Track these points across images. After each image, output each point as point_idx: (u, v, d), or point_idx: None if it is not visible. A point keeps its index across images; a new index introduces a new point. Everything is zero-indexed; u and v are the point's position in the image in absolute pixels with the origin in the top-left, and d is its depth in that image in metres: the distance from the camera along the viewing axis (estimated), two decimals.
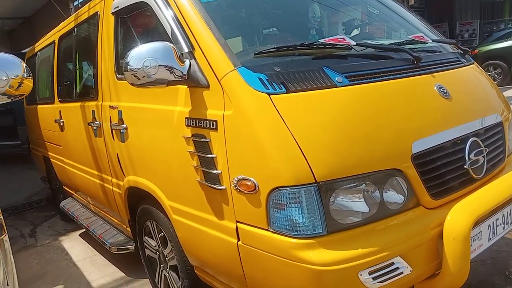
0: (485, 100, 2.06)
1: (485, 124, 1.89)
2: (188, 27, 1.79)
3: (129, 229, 2.67)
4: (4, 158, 8.01)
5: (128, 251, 2.72)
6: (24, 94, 1.75)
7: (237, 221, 1.61)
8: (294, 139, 1.45)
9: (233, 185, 1.58)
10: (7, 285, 1.36)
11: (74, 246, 3.73)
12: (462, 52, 2.26)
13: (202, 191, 1.76)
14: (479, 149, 1.76)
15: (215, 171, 1.65)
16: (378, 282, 1.41)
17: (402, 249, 1.46)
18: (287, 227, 1.44)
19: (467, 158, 1.72)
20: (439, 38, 2.30)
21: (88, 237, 3.74)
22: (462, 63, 2.13)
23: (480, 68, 2.33)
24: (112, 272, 3.07)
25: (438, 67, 1.95)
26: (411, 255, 1.49)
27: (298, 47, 1.75)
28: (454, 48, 2.27)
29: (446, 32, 15.25)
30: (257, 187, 1.49)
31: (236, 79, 1.58)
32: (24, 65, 1.68)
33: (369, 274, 1.40)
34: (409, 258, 1.48)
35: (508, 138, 2.05)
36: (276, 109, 1.49)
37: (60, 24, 3.67)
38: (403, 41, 2.07)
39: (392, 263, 1.44)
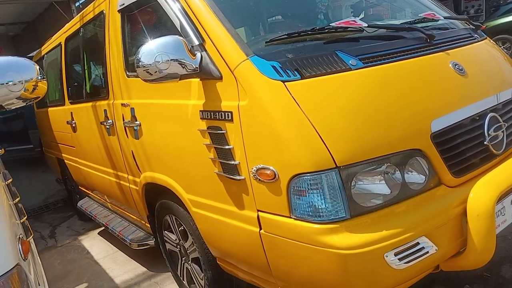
0: (500, 75, 2.03)
1: (502, 99, 1.86)
2: (197, 19, 1.78)
3: (148, 225, 2.70)
4: (18, 162, 8.10)
5: (149, 246, 2.74)
6: (39, 97, 1.77)
7: (258, 210, 1.62)
8: (312, 125, 1.44)
9: (252, 175, 1.58)
10: (39, 285, 1.39)
11: (94, 244, 3.78)
12: (474, 27, 2.22)
13: (220, 182, 1.77)
14: (498, 124, 1.74)
15: (233, 162, 1.65)
16: (405, 263, 1.41)
17: (426, 228, 1.46)
18: (310, 213, 1.45)
19: (486, 134, 1.70)
20: (450, 15, 2.26)
21: (107, 235, 3.79)
22: (475, 38, 2.10)
23: (493, 42, 2.29)
24: (134, 268, 3.12)
25: (452, 44, 1.92)
26: (436, 234, 1.48)
27: (309, 32, 1.73)
28: (466, 24, 2.23)
29: (451, 8, 14.95)
30: (276, 175, 1.49)
31: (249, 69, 1.57)
32: (38, 67, 1.70)
33: (395, 255, 1.40)
34: (434, 237, 1.47)
35: None
36: (292, 96, 1.49)
37: (66, 26, 3.68)
38: (415, 20, 2.04)
39: (418, 243, 1.44)
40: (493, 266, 2.23)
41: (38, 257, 1.74)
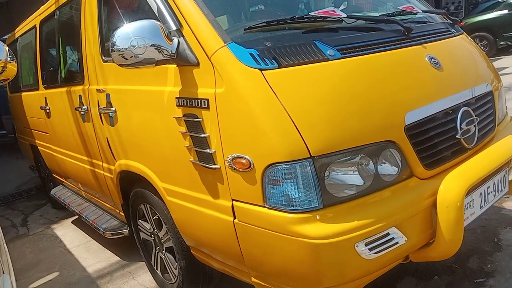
0: (475, 70, 2.07)
1: (476, 94, 1.89)
2: (175, 3, 1.74)
3: (123, 214, 2.66)
4: None
5: (123, 235, 2.71)
6: (9, 79, 1.71)
7: (232, 199, 1.61)
8: (288, 114, 1.43)
9: (227, 164, 1.57)
10: (3, 272, 1.35)
11: (67, 233, 3.71)
12: (451, 22, 2.25)
13: (196, 171, 1.75)
14: (470, 119, 1.78)
15: (208, 151, 1.64)
16: (375, 253, 1.43)
17: (397, 219, 1.48)
18: (283, 203, 1.45)
19: (458, 127, 1.73)
20: (428, 8, 2.28)
21: (81, 223, 3.72)
22: (452, 33, 2.13)
23: (469, 38, 2.32)
24: (107, 257, 3.08)
25: (429, 38, 1.94)
26: (406, 225, 1.50)
27: (289, 21, 1.71)
28: (444, 19, 2.26)
29: (432, 4, 15.17)
30: (252, 165, 1.48)
31: (227, 56, 1.55)
32: (7, 48, 1.64)
33: (366, 245, 1.41)
34: (404, 228, 1.50)
35: (498, 107, 2.07)
36: (269, 85, 1.48)
37: (41, 8, 3.56)
38: (393, 12, 2.06)
39: (388, 234, 1.45)
40: (461, 258, 2.30)
41: (5, 245, 1.69)
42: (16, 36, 4.34)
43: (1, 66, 1.62)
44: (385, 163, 1.54)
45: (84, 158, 2.89)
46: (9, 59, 1.63)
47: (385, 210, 1.47)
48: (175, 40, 1.69)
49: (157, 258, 2.47)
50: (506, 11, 9.47)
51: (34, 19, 3.72)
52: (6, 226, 4.13)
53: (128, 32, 1.63)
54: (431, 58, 1.81)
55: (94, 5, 2.38)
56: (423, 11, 2.16)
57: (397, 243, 1.48)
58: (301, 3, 2.35)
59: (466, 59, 2.10)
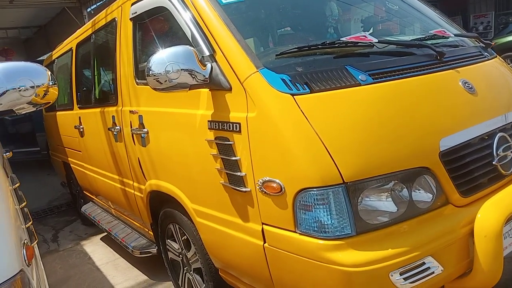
0: (510, 94, 2.02)
1: (511, 119, 1.85)
2: (208, 30, 1.79)
3: (151, 233, 2.69)
4: (24, 164, 8.15)
5: (151, 254, 2.74)
6: (50, 103, 1.79)
7: (262, 223, 1.61)
8: (320, 139, 1.44)
9: (258, 187, 1.58)
10: None
11: (96, 250, 3.77)
12: (484, 45, 2.22)
13: (226, 193, 1.76)
14: (507, 145, 1.73)
15: (239, 173, 1.65)
16: (410, 283, 1.39)
17: (432, 248, 1.44)
18: (315, 229, 1.43)
19: (495, 153, 1.69)
20: (460, 32, 2.26)
21: (109, 241, 3.78)
22: (485, 56, 2.10)
23: (503, 61, 2.28)
24: (135, 276, 3.10)
25: (462, 62, 1.92)
26: (442, 254, 1.46)
27: (320, 46, 1.73)
28: (476, 42, 2.23)
29: (460, 25, 14.96)
30: (283, 189, 1.48)
31: (259, 81, 1.58)
32: (49, 73, 1.71)
33: (400, 274, 1.38)
34: (440, 257, 1.45)
35: None
36: (301, 110, 1.49)
37: (77, 31, 3.72)
38: (425, 37, 2.05)
39: (423, 263, 1.42)
40: None
41: (41, 262, 1.74)
42: (53, 58, 4.54)
43: (44, 90, 1.69)
44: (419, 190, 1.51)
45: (115, 177, 2.95)
46: (51, 83, 1.71)
47: (420, 239, 1.44)
48: (208, 65, 1.74)
49: (185, 278, 2.47)
50: None
51: (70, 42, 3.89)
52: (37, 241, 4.23)
53: (163, 58, 1.68)
54: (465, 83, 1.78)
55: (130, 30, 2.47)
56: (455, 35, 2.14)
57: (433, 272, 1.43)
58: (330, 27, 2.37)
59: (500, 83, 2.05)
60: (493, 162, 1.68)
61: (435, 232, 1.48)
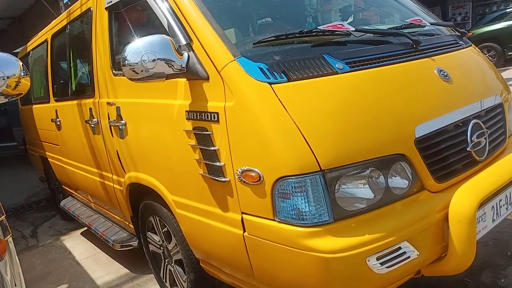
0: (484, 82, 2.06)
1: (486, 106, 1.89)
2: (185, 19, 1.77)
3: (132, 226, 2.67)
4: (1, 160, 7.96)
5: (132, 247, 2.71)
6: (22, 94, 1.73)
7: (242, 213, 1.61)
8: (298, 127, 1.44)
9: (237, 177, 1.57)
10: (15, 285, 1.36)
11: (76, 245, 3.72)
12: (459, 34, 2.25)
13: (205, 184, 1.75)
14: (480, 131, 1.77)
15: (218, 164, 1.64)
16: (386, 267, 1.42)
17: (408, 233, 1.46)
18: (293, 216, 1.44)
19: (469, 140, 1.72)
20: (436, 21, 2.29)
21: (90, 235, 3.73)
22: (460, 45, 2.13)
23: (478, 49, 2.32)
24: (116, 269, 3.07)
25: (438, 50, 1.94)
26: (418, 239, 1.49)
27: (297, 35, 1.73)
28: (452, 31, 2.26)
29: (439, 16, 15.21)
30: (261, 178, 1.48)
31: (236, 70, 1.57)
32: (21, 63, 1.66)
33: (377, 259, 1.40)
34: (416, 242, 1.48)
35: (508, 119, 2.06)
36: (278, 98, 1.48)
37: (52, 22, 3.63)
38: (401, 25, 2.06)
39: (399, 248, 1.44)
40: (474, 272, 2.26)
41: (17, 257, 1.70)
42: (28, 50, 4.42)
43: (15, 81, 1.64)
44: (395, 176, 1.53)
45: (93, 170, 2.91)
46: (22, 74, 1.66)
47: (396, 224, 1.46)
48: (185, 54, 1.72)
49: (166, 270, 2.46)
50: None
51: (45, 33, 3.79)
52: (16, 237, 4.15)
53: (138, 47, 1.65)
54: (440, 71, 1.81)
55: (105, 19, 2.42)
56: (431, 24, 2.17)
57: (409, 257, 1.46)
58: (309, 17, 2.37)
59: (475, 71, 2.09)
60: (467, 149, 1.71)
61: (411, 217, 1.50)
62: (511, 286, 2.12)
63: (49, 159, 4.07)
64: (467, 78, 1.97)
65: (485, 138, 1.79)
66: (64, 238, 3.94)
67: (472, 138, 1.73)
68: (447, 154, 1.65)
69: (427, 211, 1.55)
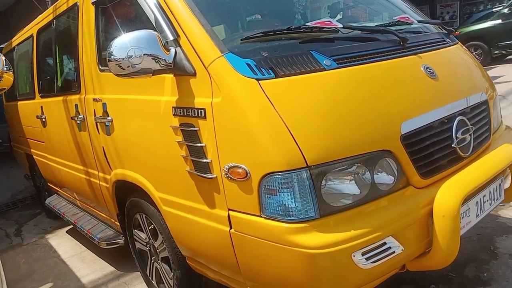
0: (470, 79, 2.09)
1: (471, 103, 1.91)
2: (172, 14, 1.75)
3: (118, 223, 2.64)
4: None
5: (118, 245, 2.69)
6: (5, 89, 1.71)
7: (229, 209, 1.60)
8: (285, 124, 1.44)
9: (224, 173, 1.57)
10: None
11: (61, 243, 3.68)
12: (446, 32, 2.27)
13: (192, 180, 1.74)
14: (465, 128, 1.79)
15: (205, 160, 1.63)
16: (371, 262, 1.42)
17: (393, 228, 1.48)
18: (280, 212, 1.44)
19: (454, 137, 1.74)
20: (424, 19, 2.30)
21: (76, 233, 3.69)
22: (447, 43, 2.15)
23: (464, 47, 2.35)
24: (102, 267, 3.05)
25: (424, 48, 1.96)
26: (403, 234, 1.50)
27: (285, 31, 1.73)
28: (439, 29, 2.28)
29: (427, 14, 15.37)
30: (248, 174, 1.48)
31: (224, 66, 1.56)
32: (4, 58, 1.63)
33: (362, 254, 1.41)
34: (401, 237, 1.49)
35: (493, 116, 2.08)
36: (266, 95, 1.48)
37: (38, 17, 3.56)
38: (389, 23, 2.07)
39: (384, 243, 1.45)
40: (458, 266, 2.29)
41: None
42: (13, 45, 4.34)
43: None
44: (381, 172, 1.54)
45: (79, 167, 2.87)
46: (5, 69, 1.63)
47: (381, 220, 1.47)
48: (172, 50, 1.70)
49: (153, 268, 2.44)
50: (499, 21, 9.58)
51: (31, 28, 3.72)
52: (0, 236, 4.09)
53: (125, 42, 1.63)
54: (427, 68, 1.82)
55: (92, 15, 2.39)
56: (418, 21, 2.18)
57: (393, 252, 1.47)
58: (298, 14, 2.37)
59: (461, 69, 2.12)
60: (452, 145, 1.73)
61: (396, 213, 1.51)
62: (494, 280, 2.15)
63: (34, 156, 4.01)
64: (453, 75, 1.99)
65: (470, 135, 1.81)
66: (50, 236, 3.89)
67: (457, 135, 1.74)
68: (432, 150, 1.66)
69: (412, 206, 1.56)
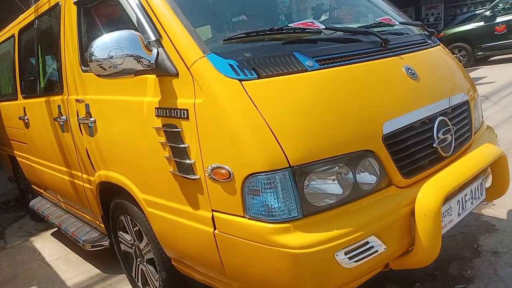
0: (451, 80, 2.11)
1: (452, 103, 1.93)
2: (154, 14, 1.74)
3: (103, 225, 2.61)
4: None
5: (103, 247, 2.66)
6: None
7: (212, 210, 1.60)
8: (267, 124, 1.44)
9: (207, 174, 1.56)
10: None
11: (46, 245, 3.63)
12: (428, 33, 2.30)
13: (175, 182, 1.73)
14: (447, 128, 1.81)
15: (188, 161, 1.63)
16: (354, 262, 1.43)
17: (376, 228, 1.49)
18: (263, 213, 1.44)
19: (435, 137, 1.76)
20: (406, 20, 2.33)
21: (61, 236, 3.64)
22: (428, 44, 2.18)
23: (446, 49, 2.38)
24: (87, 270, 3.01)
25: (406, 49, 1.98)
26: (385, 233, 1.51)
27: (268, 32, 1.73)
28: (421, 30, 2.31)
29: (412, 16, 15.59)
30: (231, 175, 1.48)
31: (206, 66, 1.55)
32: None
33: (345, 254, 1.42)
34: (383, 236, 1.51)
35: (474, 117, 2.12)
36: (248, 95, 1.48)
37: (20, 17, 3.51)
38: (371, 24, 2.09)
39: (367, 242, 1.46)
40: (442, 264, 2.32)
41: None
42: None
43: None
44: (363, 172, 1.55)
45: (63, 169, 2.83)
46: None
47: (364, 219, 1.48)
48: (154, 50, 1.69)
49: (138, 270, 2.42)
50: (482, 23, 9.74)
51: (12, 28, 3.67)
52: None
53: (106, 42, 1.62)
54: (408, 69, 1.84)
55: (74, 15, 2.36)
56: (400, 23, 2.21)
57: (376, 251, 1.48)
58: (282, 15, 2.38)
59: (442, 70, 2.14)
60: (434, 145, 1.75)
61: (378, 212, 1.52)
62: (477, 277, 2.19)
63: (17, 158, 3.95)
64: (435, 76, 2.02)
65: (451, 135, 1.84)
66: (34, 239, 3.83)
67: (439, 135, 1.77)
68: (414, 150, 1.68)
69: (394, 206, 1.57)
